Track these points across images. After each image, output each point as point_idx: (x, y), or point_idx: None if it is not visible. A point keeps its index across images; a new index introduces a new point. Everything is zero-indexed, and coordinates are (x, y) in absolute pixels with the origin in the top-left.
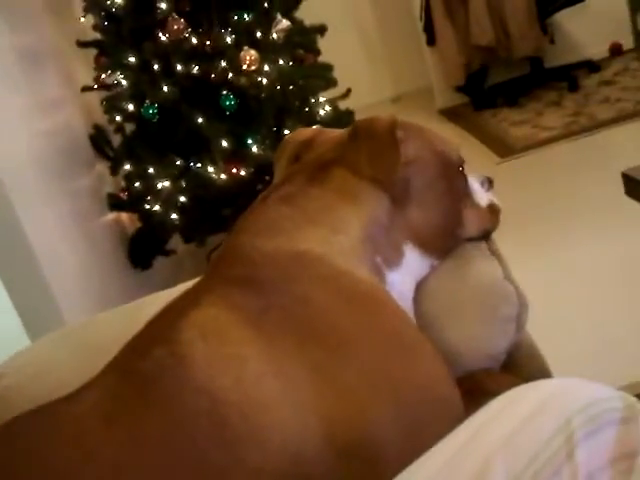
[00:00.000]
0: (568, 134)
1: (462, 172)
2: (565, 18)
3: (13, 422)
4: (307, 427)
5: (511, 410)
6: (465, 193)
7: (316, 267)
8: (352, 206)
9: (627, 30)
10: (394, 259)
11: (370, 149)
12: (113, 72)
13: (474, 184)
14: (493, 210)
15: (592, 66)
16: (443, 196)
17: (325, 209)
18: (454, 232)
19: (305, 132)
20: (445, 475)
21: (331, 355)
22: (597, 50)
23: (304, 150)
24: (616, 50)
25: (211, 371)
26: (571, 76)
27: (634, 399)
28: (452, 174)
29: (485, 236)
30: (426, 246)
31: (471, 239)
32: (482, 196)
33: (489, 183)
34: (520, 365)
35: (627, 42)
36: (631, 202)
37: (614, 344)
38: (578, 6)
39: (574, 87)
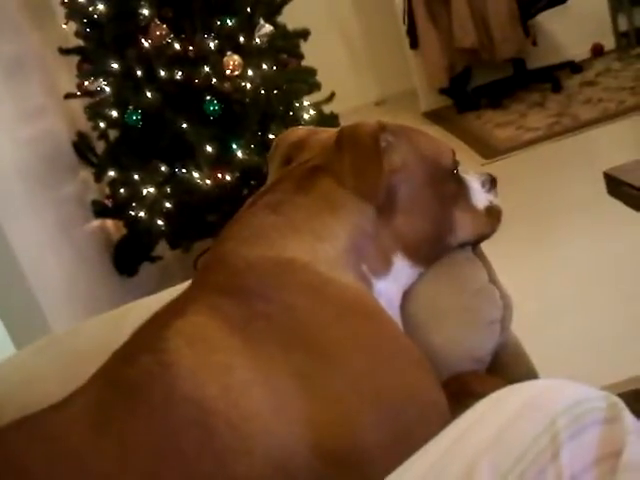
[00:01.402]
0: (552, 135)
1: (456, 175)
2: (547, 20)
3: (0, 431)
4: (294, 435)
5: (496, 411)
6: (460, 196)
7: (302, 274)
8: (336, 217)
9: (608, 31)
10: (382, 268)
11: (353, 160)
12: (96, 79)
13: (474, 184)
14: (492, 212)
15: (574, 67)
16: (432, 203)
17: (311, 218)
18: (445, 239)
19: (297, 132)
20: (432, 477)
21: (317, 363)
22: (579, 51)
23: (295, 152)
24: (598, 51)
25: (198, 380)
26: (554, 77)
27: (617, 398)
28: (442, 179)
29: (481, 240)
30: (415, 255)
31: (466, 244)
32: (480, 198)
33: (491, 183)
34: (506, 366)
35: (608, 43)
36: (613, 201)
37: (599, 343)
38: (559, 8)
39: (557, 88)
